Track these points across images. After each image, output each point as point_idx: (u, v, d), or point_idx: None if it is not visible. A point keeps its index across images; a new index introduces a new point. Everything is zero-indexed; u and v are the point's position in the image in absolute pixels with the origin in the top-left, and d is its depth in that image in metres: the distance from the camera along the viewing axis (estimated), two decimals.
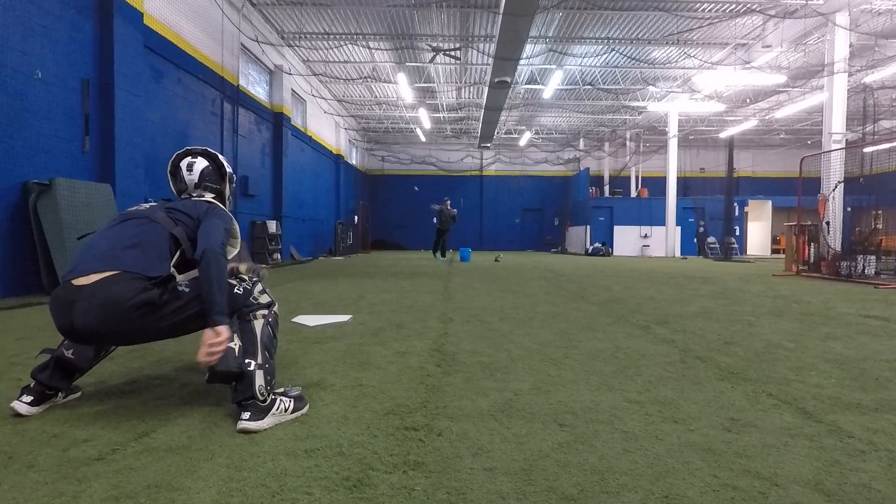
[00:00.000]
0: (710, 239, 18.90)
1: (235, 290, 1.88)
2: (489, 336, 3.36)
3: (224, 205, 2.19)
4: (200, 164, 2.12)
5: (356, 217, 21.79)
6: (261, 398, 1.71)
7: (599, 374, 2.44)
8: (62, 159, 5.85)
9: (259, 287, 1.97)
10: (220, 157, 2.20)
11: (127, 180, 6.69)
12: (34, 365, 1.93)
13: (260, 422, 1.68)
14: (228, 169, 2.23)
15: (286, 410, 1.77)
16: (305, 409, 1.85)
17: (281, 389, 1.87)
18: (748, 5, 11.28)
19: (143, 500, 1.24)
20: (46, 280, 5.25)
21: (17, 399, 1.83)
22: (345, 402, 1.98)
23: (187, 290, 1.78)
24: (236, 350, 1.77)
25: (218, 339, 1.69)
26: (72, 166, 5.97)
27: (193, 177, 2.10)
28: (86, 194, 5.75)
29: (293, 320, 3.91)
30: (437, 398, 2.05)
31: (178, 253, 1.85)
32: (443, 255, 15.15)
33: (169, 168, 2.17)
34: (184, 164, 2.11)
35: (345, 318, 4.04)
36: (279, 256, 12.39)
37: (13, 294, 5.17)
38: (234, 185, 2.30)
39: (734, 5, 11.35)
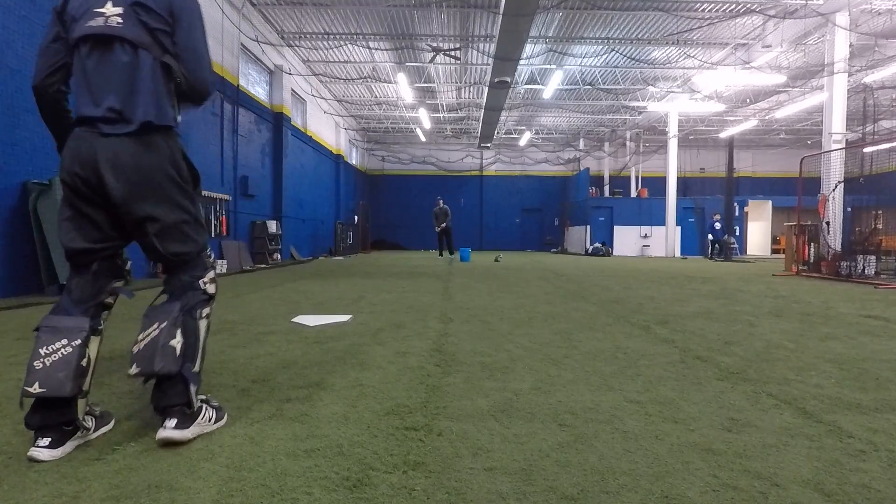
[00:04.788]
0: (711, 238, 18.90)
1: (206, 253, 1.74)
2: (489, 336, 3.36)
3: None
4: None
5: (356, 217, 21.79)
6: (195, 405, 1.59)
7: (599, 374, 2.44)
8: None
9: (212, 274, 1.75)
10: None
11: None
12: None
13: (185, 431, 1.56)
14: None
15: (210, 420, 1.66)
16: (224, 421, 1.73)
17: (203, 396, 1.72)
18: (748, 5, 11.28)
19: (143, 500, 1.24)
20: (46, 280, 5.25)
21: (33, 446, 1.48)
22: (345, 402, 1.98)
23: (192, 210, 1.69)
24: (177, 350, 1.56)
25: None
26: None
27: None
28: None
29: (293, 320, 3.91)
30: (437, 398, 2.05)
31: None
32: (450, 253, 15.34)
33: None
34: None
35: (345, 318, 4.04)
36: (279, 256, 12.40)
37: (13, 294, 5.17)
38: None
39: (734, 5, 11.35)
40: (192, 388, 1.59)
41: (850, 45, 11.10)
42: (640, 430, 1.72)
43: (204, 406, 1.67)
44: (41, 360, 1.49)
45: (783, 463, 1.47)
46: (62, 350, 1.51)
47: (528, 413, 1.88)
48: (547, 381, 2.30)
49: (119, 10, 1.55)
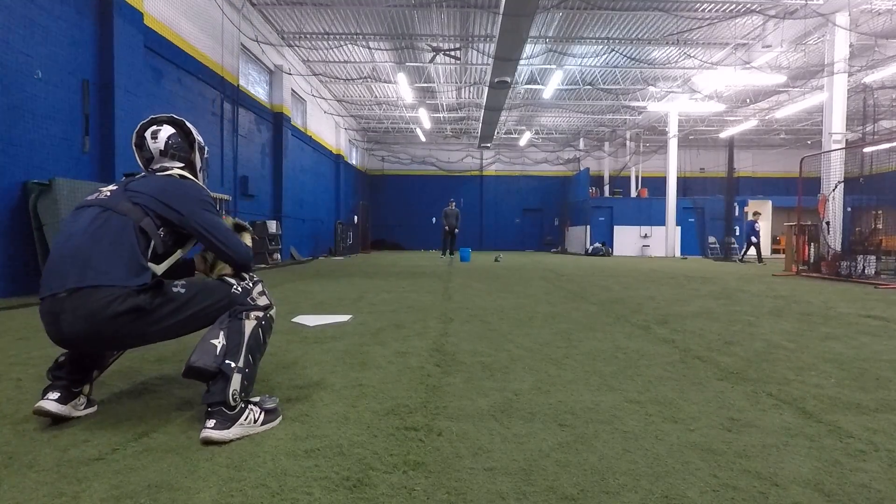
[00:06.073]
0: (711, 239, 18.88)
1: (234, 290, 1.80)
2: (489, 336, 3.36)
3: (196, 178, 1.98)
4: (166, 131, 1.93)
5: (356, 217, 21.79)
6: (231, 404, 1.60)
7: (599, 374, 2.44)
8: (62, 159, 5.85)
9: (259, 288, 1.88)
10: (188, 124, 2.01)
11: None
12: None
13: (225, 431, 1.58)
14: (198, 138, 2.02)
15: (255, 421, 1.66)
16: (276, 423, 1.73)
17: (257, 398, 1.75)
18: (748, 5, 11.28)
19: (143, 500, 1.24)
20: None
21: (43, 398, 1.68)
22: (345, 402, 1.98)
23: (183, 290, 1.70)
24: (218, 348, 1.64)
25: None
26: (72, 166, 5.97)
27: (158, 144, 1.91)
28: (86, 194, 5.74)
29: (293, 320, 3.91)
30: (437, 398, 2.05)
31: (150, 247, 1.71)
32: (451, 253, 15.45)
33: (133, 140, 1.96)
34: (148, 132, 1.92)
35: (345, 318, 4.04)
36: (279, 256, 12.40)
37: (13, 294, 5.17)
38: (206, 156, 2.08)
39: (734, 5, 11.35)
40: (232, 387, 1.61)
41: (850, 45, 11.11)
42: (640, 430, 1.72)
43: (249, 407, 1.67)
44: None
45: (783, 463, 1.47)
46: None
47: (528, 413, 1.88)
48: (547, 381, 2.30)
49: (114, 187, 1.77)
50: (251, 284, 1.87)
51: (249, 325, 1.76)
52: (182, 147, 1.96)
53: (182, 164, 1.94)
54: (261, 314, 1.82)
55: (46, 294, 1.60)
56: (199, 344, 1.66)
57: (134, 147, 1.97)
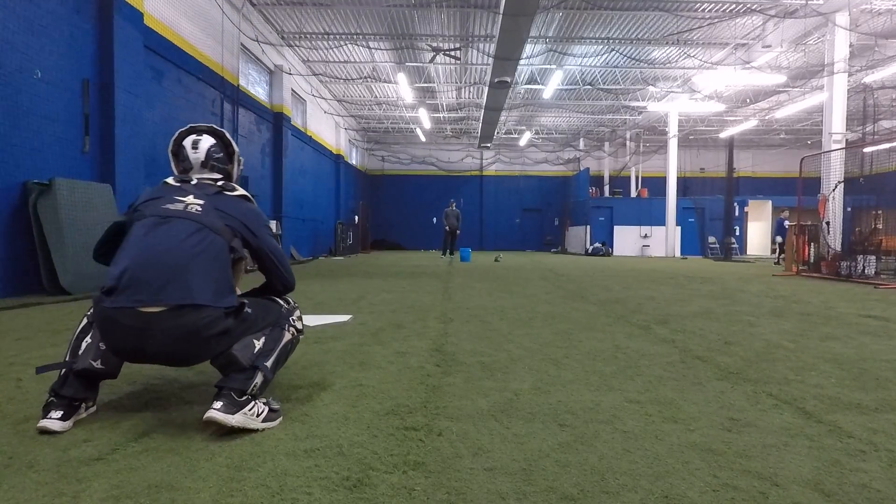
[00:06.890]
0: (711, 239, 18.88)
1: (283, 309, 1.95)
2: (489, 336, 3.36)
3: None
4: (206, 141, 1.91)
5: (356, 217, 21.79)
6: (248, 393, 1.65)
7: (599, 374, 2.44)
8: (62, 159, 5.85)
9: (298, 312, 2.04)
10: (227, 135, 2.00)
11: (127, 180, 6.70)
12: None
13: (229, 416, 1.58)
14: (236, 148, 2.04)
15: (257, 415, 1.66)
16: (275, 423, 1.72)
17: (264, 399, 1.77)
18: (748, 5, 11.28)
19: (143, 500, 1.24)
20: (46, 280, 5.25)
21: (46, 417, 1.64)
22: (345, 402, 1.98)
23: (251, 311, 1.78)
24: (256, 347, 1.74)
25: None
26: (72, 166, 5.97)
27: (199, 155, 1.89)
28: (86, 194, 5.75)
29: None
30: (437, 398, 2.05)
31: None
32: (451, 253, 15.48)
33: (171, 147, 1.92)
34: (188, 141, 1.90)
35: (345, 318, 4.04)
36: None
37: (13, 294, 5.17)
38: (241, 166, 2.11)
39: (734, 5, 11.35)
40: (255, 381, 1.68)
41: (850, 45, 11.11)
42: (640, 430, 1.72)
43: (255, 401, 1.68)
44: (98, 342, 1.69)
45: (783, 463, 1.47)
46: None
47: (528, 413, 1.88)
48: (547, 381, 2.30)
49: (200, 202, 1.77)
50: (293, 307, 2.03)
51: (286, 337, 1.89)
52: (222, 158, 1.97)
53: (221, 176, 1.96)
54: (296, 332, 1.97)
55: (129, 304, 1.57)
56: (241, 341, 1.74)
57: (170, 154, 1.94)
